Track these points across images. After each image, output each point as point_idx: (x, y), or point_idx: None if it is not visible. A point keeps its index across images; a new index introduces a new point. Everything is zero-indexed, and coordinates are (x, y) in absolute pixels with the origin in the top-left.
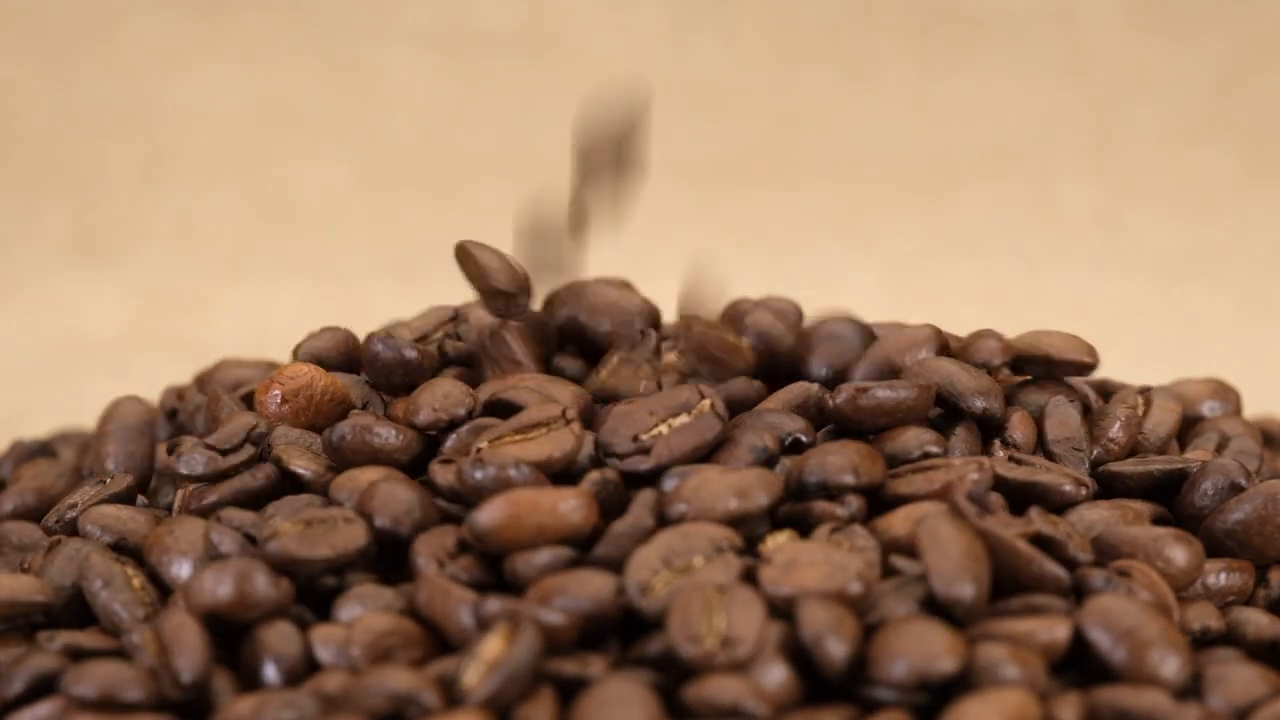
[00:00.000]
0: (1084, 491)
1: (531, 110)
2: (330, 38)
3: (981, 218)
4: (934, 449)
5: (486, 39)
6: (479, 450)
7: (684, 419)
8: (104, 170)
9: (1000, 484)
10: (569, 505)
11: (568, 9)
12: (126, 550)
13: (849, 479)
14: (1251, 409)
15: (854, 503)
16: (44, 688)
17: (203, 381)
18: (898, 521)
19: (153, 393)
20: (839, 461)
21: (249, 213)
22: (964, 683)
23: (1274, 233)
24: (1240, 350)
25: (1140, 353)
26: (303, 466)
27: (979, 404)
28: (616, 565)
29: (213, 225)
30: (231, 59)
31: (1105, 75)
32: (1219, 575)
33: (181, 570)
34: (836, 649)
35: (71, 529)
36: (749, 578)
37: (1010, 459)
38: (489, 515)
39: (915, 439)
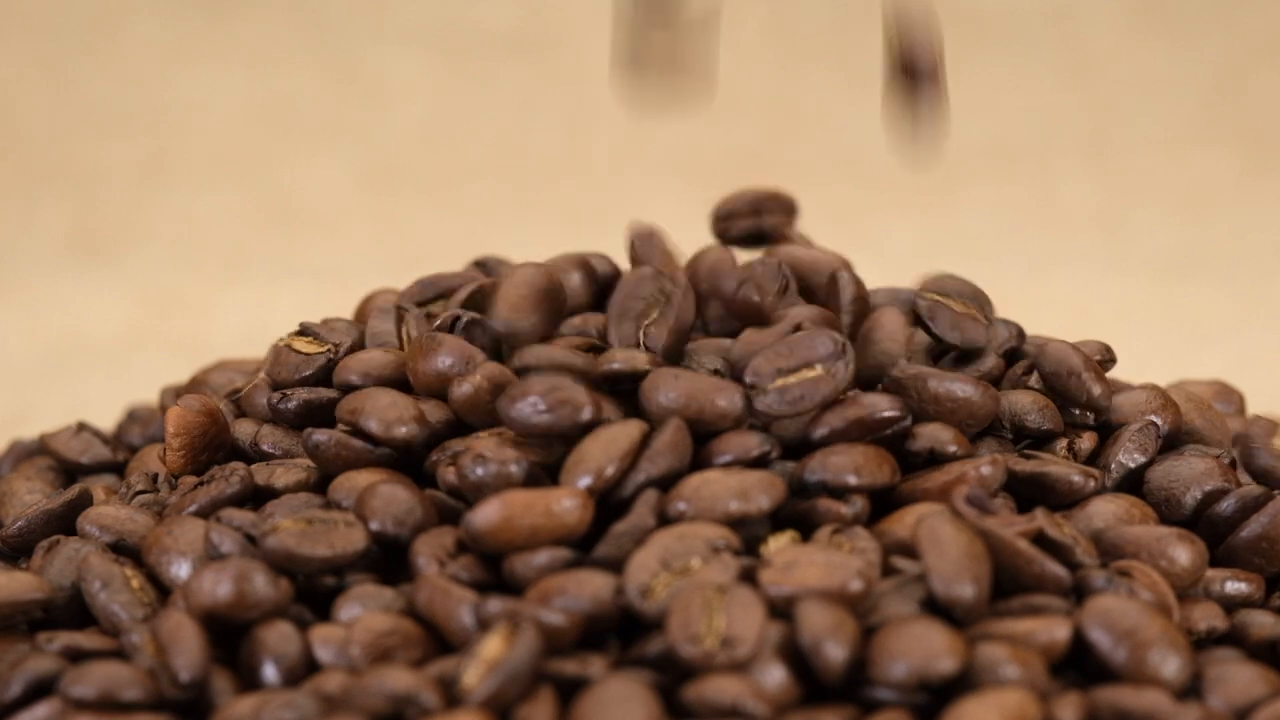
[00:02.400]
0: (1092, 484)
1: (531, 110)
2: (330, 38)
3: (982, 218)
4: (950, 448)
5: (486, 39)
6: (478, 442)
7: (816, 371)
8: (104, 170)
9: (1009, 476)
10: (563, 506)
11: (568, 9)
12: (125, 550)
13: (851, 479)
14: (1252, 409)
15: (858, 503)
16: (42, 690)
17: (198, 382)
18: (898, 523)
19: (152, 393)
20: (841, 461)
21: (249, 213)
22: (964, 683)
23: (1274, 233)
24: (1240, 350)
25: (1140, 353)
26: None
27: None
28: (617, 565)
29: (213, 225)
30: (231, 59)
31: (1105, 75)
32: (1224, 584)
33: (181, 570)
34: (835, 653)
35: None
36: (748, 577)
37: (1019, 453)
38: (483, 516)
39: (928, 436)
